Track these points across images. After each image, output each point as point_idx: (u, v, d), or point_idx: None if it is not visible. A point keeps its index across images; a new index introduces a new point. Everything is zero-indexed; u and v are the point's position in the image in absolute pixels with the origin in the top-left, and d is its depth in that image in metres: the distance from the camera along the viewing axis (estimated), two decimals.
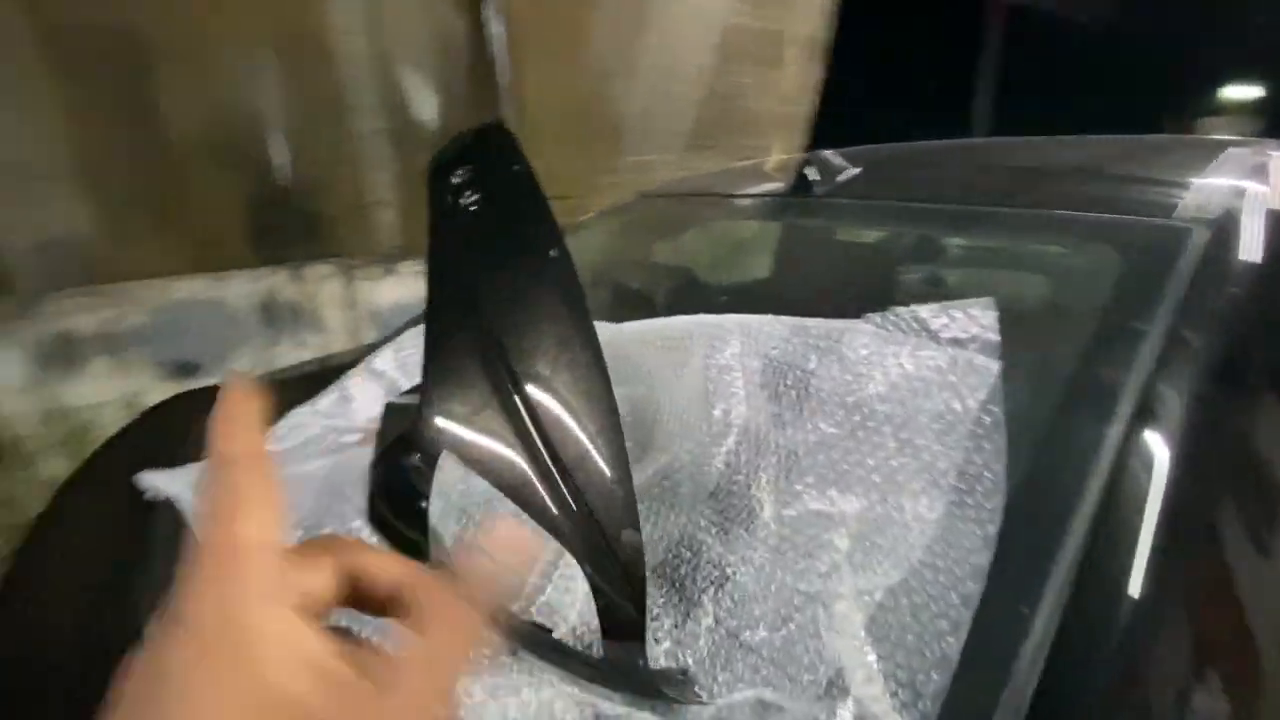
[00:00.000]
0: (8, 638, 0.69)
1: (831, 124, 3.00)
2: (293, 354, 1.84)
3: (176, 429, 0.97)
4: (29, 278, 1.57)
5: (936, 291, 0.87)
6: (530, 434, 0.45)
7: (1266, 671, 0.57)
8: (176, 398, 1.12)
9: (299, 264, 1.85)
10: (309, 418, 0.86)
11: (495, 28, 2.00)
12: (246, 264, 1.83)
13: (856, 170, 1.16)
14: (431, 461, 0.49)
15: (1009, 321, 0.81)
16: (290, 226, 1.90)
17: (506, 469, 0.44)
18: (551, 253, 0.51)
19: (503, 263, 0.51)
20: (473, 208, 0.55)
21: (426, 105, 2.04)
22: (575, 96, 2.38)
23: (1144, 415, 0.57)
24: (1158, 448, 0.55)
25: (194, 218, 1.75)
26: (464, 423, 0.46)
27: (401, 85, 1.99)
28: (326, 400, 0.89)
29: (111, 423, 1.63)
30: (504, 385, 0.46)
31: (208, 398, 0.86)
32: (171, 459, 0.79)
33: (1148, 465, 0.54)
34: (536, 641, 0.43)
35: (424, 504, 0.48)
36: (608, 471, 0.44)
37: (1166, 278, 0.69)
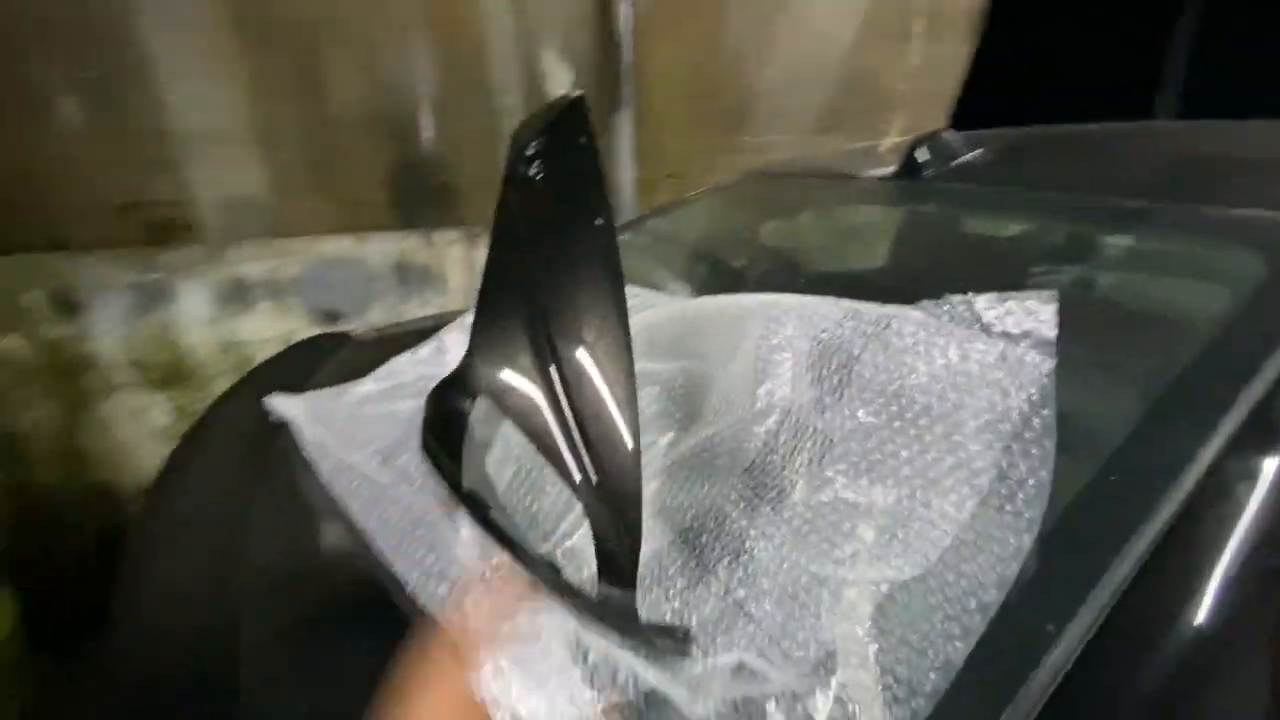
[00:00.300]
0: (162, 523, 0.84)
1: (979, 104, 2.74)
2: (419, 310, 2.03)
3: (310, 363, 1.12)
4: (215, 229, 1.86)
5: (1035, 286, 0.80)
6: (557, 391, 0.48)
7: None
8: (314, 338, 1.29)
9: (430, 229, 2.02)
10: (408, 365, 0.96)
11: (623, 8, 2.03)
12: (385, 227, 2.03)
13: (975, 154, 1.07)
14: (471, 402, 0.54)
15: (1118, 322, 0.73)
16: (425, 194, 2.08)
17: (533, 419, 0.48)
18: (597, 221, 0.53)
19: (553, 232, 0.55)
20: (538, 177, 0.59)
21: (552, 83, 2.13)
22: (699, 76, 2.36)
23: (1252, 433, 0.50)
24: (1261, 468, 0.48)
25: (344, 183, 1.97)
26: (501, 373, 0.51)
27: (531, 63, 2.09)
28: (425, 350, 0.99)
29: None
30: (541, 344, 0.50)
31: (340, 340, 1.00)
32: (300, 388, 0.93)
33: (1244, 487, 0.48)
34: (545, 577, 0.47)
35: (461, 437, 0.54)
36: (625, 436, 0.47)
37: None
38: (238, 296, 1.82)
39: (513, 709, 0.39)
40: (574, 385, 0.48)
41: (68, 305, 1.63)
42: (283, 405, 0.84)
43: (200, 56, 1.69)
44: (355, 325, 1.96)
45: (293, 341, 1.90)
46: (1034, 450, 0.47)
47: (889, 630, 0.45)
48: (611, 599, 0.44)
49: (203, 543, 0.71)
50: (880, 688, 0.43)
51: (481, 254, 2.00)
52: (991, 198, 0.91)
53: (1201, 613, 0.44)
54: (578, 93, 0.70)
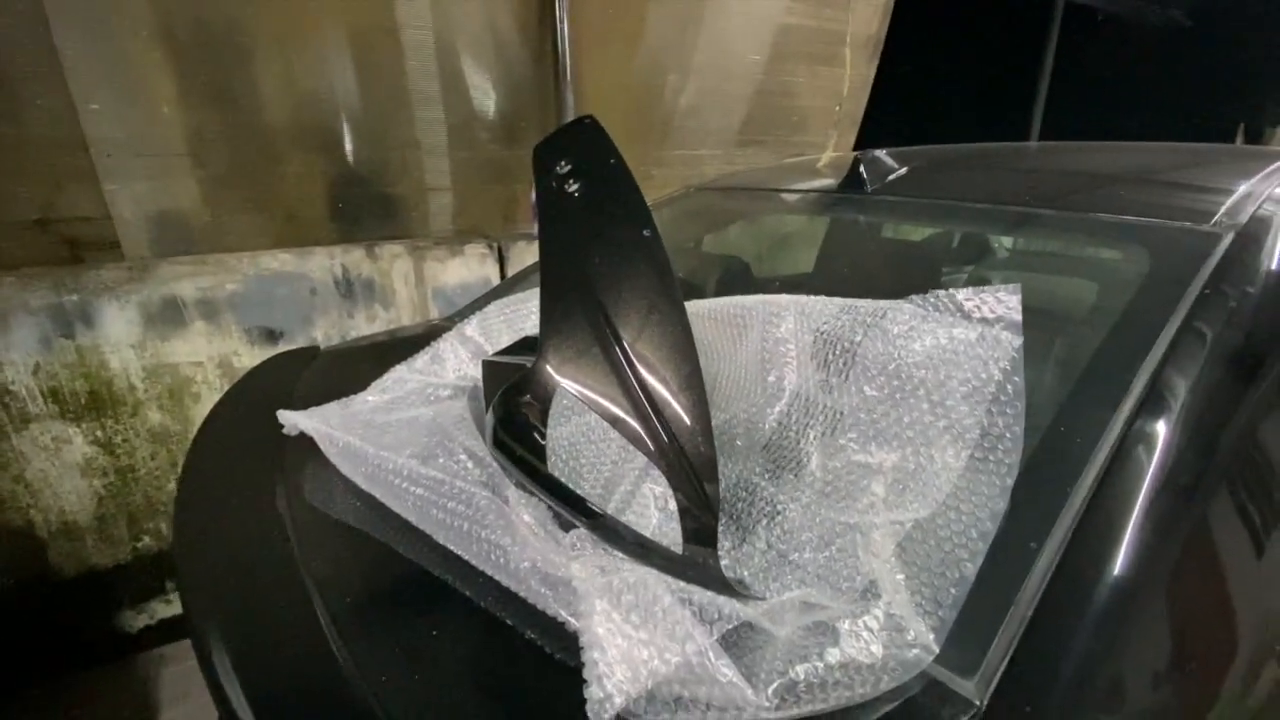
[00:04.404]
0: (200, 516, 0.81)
1: (883, 123, 3.04)
2: (366, 326, 1.99)
3: (285, 379, 1.11)
4: (140, 245, 1.75)
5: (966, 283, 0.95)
6: (629, 378, 0.55)
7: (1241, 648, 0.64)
8: (283, 354, 1.27)
9: (373, 243, 1.99)
10: (408, 374, 0.98)
11: (564, 25, 2.11)
12: (326, 241, 1.99)
13: (904, 170, 1.23)
14: (544, 400, 0.60)
15: (1040, 312, 0.88)
16: (365, 208, 2.05)
17: (609, 405, 0.55)
18: (645, 232, 0.61)
19: (604, 240, 0.62)
20: (576, 194, 0.66)
21: (494, 96, 2.17)
22: (630, 91, 2.47)
23: (1151, 398, 0.64)
24: (1160, 426, 0.63)
25: (280, 195, 1.91)
26: (573, 367, 0.57)
27: (472, 77, 2.12)
28: (421, 360, 1.01)
29: (207, 380, 1.80)
30: (606, 339, 0.57)
31: (309, 356, 1.04)
32: (286, 402, 0.93)
33: (1150, 439, 0.62)
34: (636, 542, 0.53)
35: (538, 433, 0.59)
36: (692, 412, 0.54)
37: (1189, 277, 0.75)
38: (168, 317, 1.72)
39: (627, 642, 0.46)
40: (644, 372, 0.55)
41: None
42: (297, 419, 0.85)
43: (119, 63, 1.60)
44: (300, 343, 1.90)
45: (230, 364, 1.83)
46: (1009, 410, 0.59)
47: (911, 560, 0.56)
48: (697, 555, 0.51)
49: (251, 546, 0.71)
50: (912, 604, 0.53)
51: (428, 267, 1.99)
52: (928, 210, 1.06)
53: (1132, 532, 0.57)
54: (589, 116, 0.77)
